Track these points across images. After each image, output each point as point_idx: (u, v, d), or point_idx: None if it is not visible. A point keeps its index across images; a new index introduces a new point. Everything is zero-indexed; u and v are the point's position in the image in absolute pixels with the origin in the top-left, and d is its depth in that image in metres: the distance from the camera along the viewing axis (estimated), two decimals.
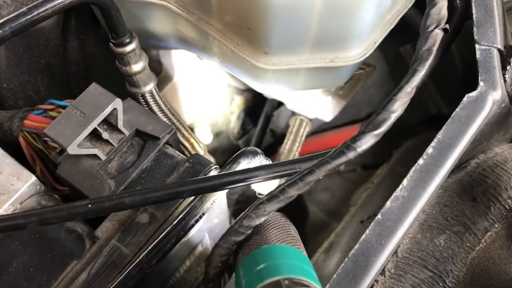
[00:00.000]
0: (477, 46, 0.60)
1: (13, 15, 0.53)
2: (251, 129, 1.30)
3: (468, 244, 0.58)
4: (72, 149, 0.56)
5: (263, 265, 0.42)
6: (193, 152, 0.84)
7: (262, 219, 0.48)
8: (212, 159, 1.00)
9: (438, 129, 0.56)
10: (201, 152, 0.85)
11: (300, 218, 1.19)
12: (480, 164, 0.64)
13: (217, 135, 1.22)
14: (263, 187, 0.72)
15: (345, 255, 0.50)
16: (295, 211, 1.20)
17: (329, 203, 1.19)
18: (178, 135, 0.82)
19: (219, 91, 1.13)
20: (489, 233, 0.58)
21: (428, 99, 0.97)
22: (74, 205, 0.49)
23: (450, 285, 0.55)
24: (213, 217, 0.69)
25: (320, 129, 1.22)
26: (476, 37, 0.60)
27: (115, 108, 0.59)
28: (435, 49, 0.57)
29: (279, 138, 1.24)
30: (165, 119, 0.78)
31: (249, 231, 0.48)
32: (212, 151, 1.22)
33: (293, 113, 1.07)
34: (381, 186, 0.82)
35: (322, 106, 0.97)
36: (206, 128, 1.06)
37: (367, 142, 0.50)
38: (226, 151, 1.25)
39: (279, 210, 0.51)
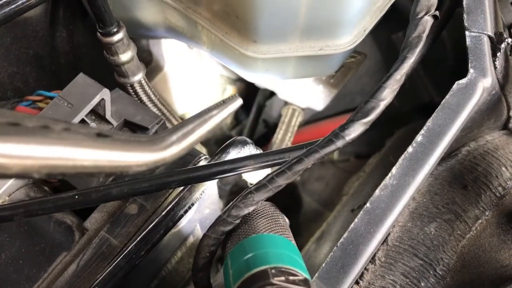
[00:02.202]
0: (467, 33, 0.59)
1: None
2: (244, 119, 1.29)
3: (458, 232, 0.57)
4: None
5: (250, 254, 0.42)
6: None
7: (251, 208, 0.47)
8: (204, 150, 0.99)
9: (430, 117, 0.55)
10: None
11: (294, 208, 1.19)
12: (471, 151, 0.63)
13: None
14: (256, 177, 0.72)
15: (335, 244, 0.50)
16: (289, 201, 1.20)
17: (323, 192, 1.19)
18: (168, 125, 0.81)
19: (211, 81, 1.12)
20: (479, 221, 0.58)
21: (420, 87, 0.97)
22: (61, 197, 0.48)
23: (440, 273, 0.55)
24: (204, 207, 0.69)
25: (313, 118, 1.22)
26: (466, 24, 0.60)
27: (102, 99, 0.58)
28: (424, 36, 0.56)
29: (272, 128, 1.24)
30: (154, 109, 0.78)
31: (238, 221, 0.47)
32: (205, 141, 1.21)
33: (286, 103, 1.06)
34: (372, 175, 0.82)
35: (313, 95, 0.96)
36: None
37: (355, 130, 0.49)
38: (219, 142, 1.24)
39: (271, 199, 0.50)
